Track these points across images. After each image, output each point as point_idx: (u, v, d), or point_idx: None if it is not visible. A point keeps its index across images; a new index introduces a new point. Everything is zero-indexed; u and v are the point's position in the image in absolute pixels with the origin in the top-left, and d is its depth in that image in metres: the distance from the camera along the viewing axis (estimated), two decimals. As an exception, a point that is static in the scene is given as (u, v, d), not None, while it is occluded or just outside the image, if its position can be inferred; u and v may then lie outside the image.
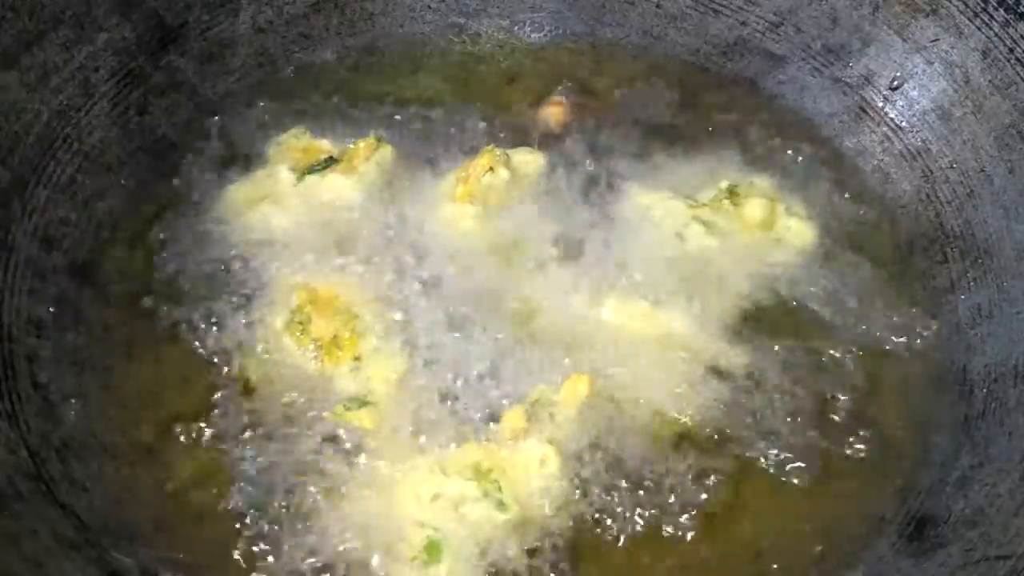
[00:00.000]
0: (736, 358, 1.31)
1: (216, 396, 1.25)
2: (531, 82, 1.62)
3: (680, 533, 1.18)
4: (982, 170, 1.42)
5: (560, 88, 1.59)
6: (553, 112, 1.56)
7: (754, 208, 1.41)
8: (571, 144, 1.51)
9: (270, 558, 1.14)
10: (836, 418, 1.28)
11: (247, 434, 1.22)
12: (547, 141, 1.51)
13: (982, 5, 1.41)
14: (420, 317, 1.31)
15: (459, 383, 1.26)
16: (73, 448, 1.20)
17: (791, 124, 1.59)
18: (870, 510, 1.23)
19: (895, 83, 1.54)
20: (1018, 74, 1.38)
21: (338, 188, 1.40)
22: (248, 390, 1.26)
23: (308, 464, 1.20)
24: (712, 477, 1.22)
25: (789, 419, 1.27)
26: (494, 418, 1.22)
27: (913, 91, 1.52)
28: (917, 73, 1.51)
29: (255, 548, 1.15)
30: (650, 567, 1.16)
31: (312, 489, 1.18)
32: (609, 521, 1.18)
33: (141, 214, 1.41)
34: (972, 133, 1.44)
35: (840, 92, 1.58)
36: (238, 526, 1.16)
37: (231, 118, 1.52)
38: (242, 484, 1.18)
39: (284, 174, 1.41)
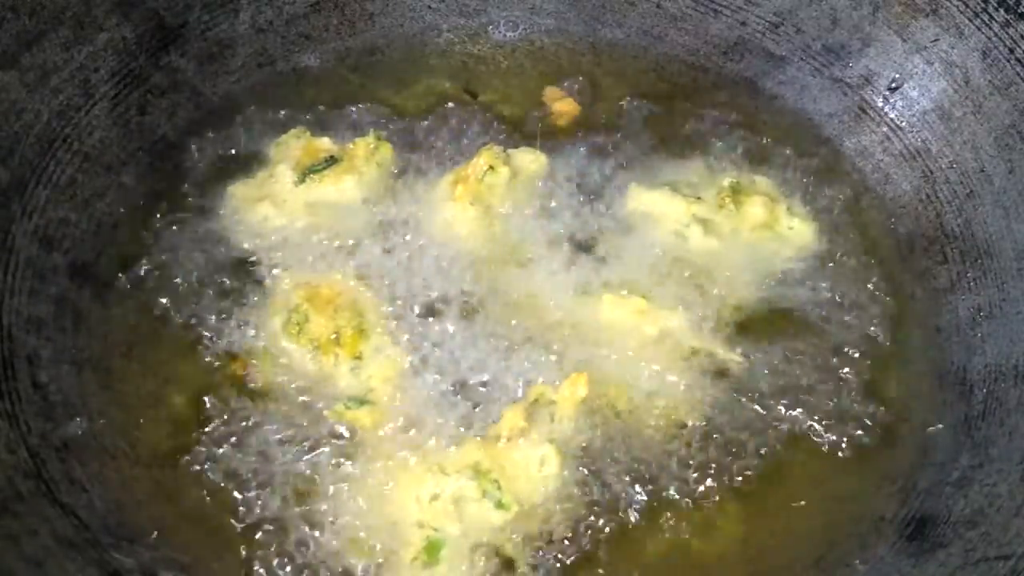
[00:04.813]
0: (736, 357, 1.31)
1: (216, 396, 1.25)
2: (531, 82, 1.61)
3: (680, 532, 1.18)
4: (982, 170, 1.42)
5: (566, 83, 1.60)
6: (562, 107, 1.56)
7: (755, 208, 1.41)
8: (571, 143, 1.51)
9: (270, 559, 1.14)
10: (835, 418, 1.28)
11: (247, 434, 1.22)
12: (548, 140, 1.51)
13: (982, 5, 1.41)
14: (420, 317, 1.31)
15: (459, 382, 1.26)
16: (73, 448, 1.20)
17: (791, 124, 1.59)
18: (870, 510, 1.23)
19: (895, 83, 1.54)
20: (1018, 74, 1.38)
21: (338, 188, 1.40)
22: (248, 390, 1.26)
23: (308, 463, 1.20)
24: (711, 477, 1.22)
25: (788, 419, 1.27)
26: (494, 418, 1.22)
27: (913, 91, 1.52)
28: (917, 73, 1.51)
29: (255, 548, 1.15)
30: (650, 566, 1.16)
31: (312, 488, 1.18)
32: (609, 520, 1.18)
33: (141, 214, 1.41)
34: (972, 133, 1.44)
35: (840, 92, 1.58)
36: (238, 526, 1.16)
37: (231, 118, 1.52)
38: (242, 484, 1.19)
39: (284, 174, 1.41)
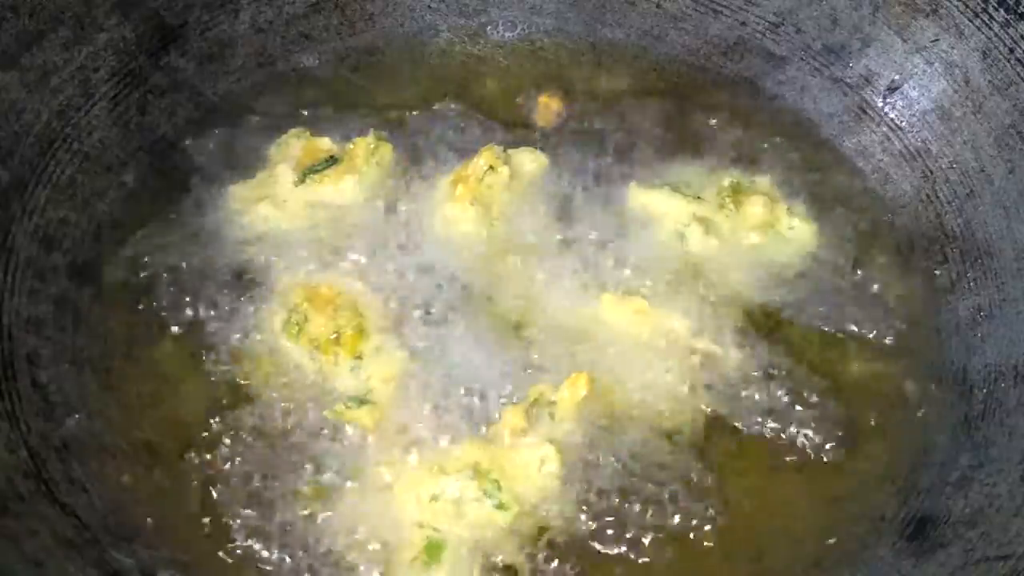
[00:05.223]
0: (735, 357, 1.31)
1: (216, 396, 1.25)
2: (532, 82, 1.61)
3: (680, 532, 1.18)
4: (982, 170, 1.43)
5: (556, 86, 1.60)
6: (547, 105, 1.56)
7: (755, 208, 1.41)
8: (572, 143, 1.51)
9: (269, 559, 1.14)
10: (835, 418, 1.28)
11: (246, 433, 1.22)
12: (548, 140, 1.51)
13: (982, 5, 1.41)
14: (420, 316, 1.31)
15: (459, 382, 1.26)
16: (73, 448, 1.20)
17: (791, 124, 1.59)
18: (870, 510, 1.23)
19: (895, 83, 1.54)
20: (1018, 74, 1.38)
21: (338, 188, 1.40)
22: (248, 389, 1.26)
23: (307, 464, 1.20)
24: (711, 476, 1.22)
25: (788, 419, 1.27)
26: (494, 418, 1.22)
27: (913, 91, 1.52)
28: (917, 73, 1.51)
29: (254, 549, 1.15)
30: (649, 566, 1.16)
31: (311, 489, 1.18)
32: (609, 520, 1.18)
33: (141, 214, 1.41)
34: (972, 133, 1.44)
35: (840, 92, 1.58)
36: (237, 526, 1.16)
37: (231, 118, 1.52)
38: (241, 484, 1.19)
39: (284, 174, 1.41)
